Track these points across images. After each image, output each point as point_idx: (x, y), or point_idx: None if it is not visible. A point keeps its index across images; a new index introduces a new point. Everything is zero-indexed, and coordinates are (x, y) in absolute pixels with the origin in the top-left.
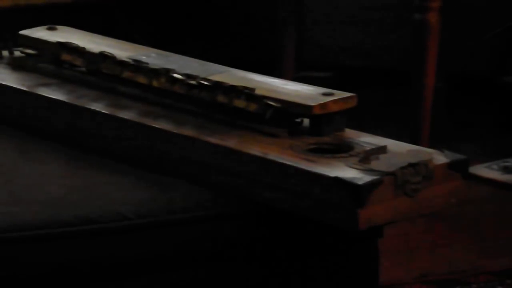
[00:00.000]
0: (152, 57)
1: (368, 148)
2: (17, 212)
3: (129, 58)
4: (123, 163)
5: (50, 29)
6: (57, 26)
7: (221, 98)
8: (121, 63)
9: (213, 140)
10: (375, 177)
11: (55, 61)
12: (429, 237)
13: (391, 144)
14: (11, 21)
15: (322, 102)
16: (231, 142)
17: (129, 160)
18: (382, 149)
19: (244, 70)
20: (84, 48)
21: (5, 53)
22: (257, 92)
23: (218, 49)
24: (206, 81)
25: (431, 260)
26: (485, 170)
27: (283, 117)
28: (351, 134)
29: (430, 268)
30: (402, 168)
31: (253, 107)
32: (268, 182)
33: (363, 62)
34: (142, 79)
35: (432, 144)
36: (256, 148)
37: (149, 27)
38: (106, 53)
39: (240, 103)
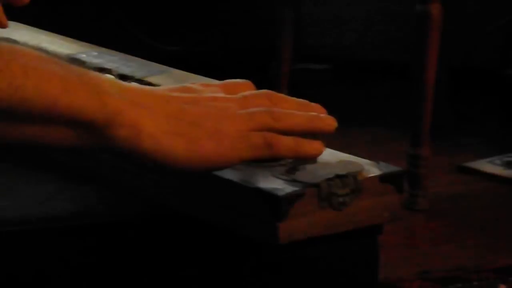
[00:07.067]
0: (92, 55)
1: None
2: (8, 206)
3: (67, 56)
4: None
5: None
6: None
7: None
8: None
9: None
10: (296, 189)
11: None
12: (430, 233)
13: (327, 153)
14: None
15: None
16: None
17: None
18: (311, 159)
19: (242, 59)
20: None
21: None
22: None
23: (216, 38)
24: (139, 82)
25: (432, 257)
26: (488, 165)
27: None
28: None
29: (431, 265)
30: (328, 179)
31: None
32: (193, 191)
33: (362, 54)
34: None
35: (434, 138)
36: None
37: (144, 17)
38: (43, 50)
39: None
